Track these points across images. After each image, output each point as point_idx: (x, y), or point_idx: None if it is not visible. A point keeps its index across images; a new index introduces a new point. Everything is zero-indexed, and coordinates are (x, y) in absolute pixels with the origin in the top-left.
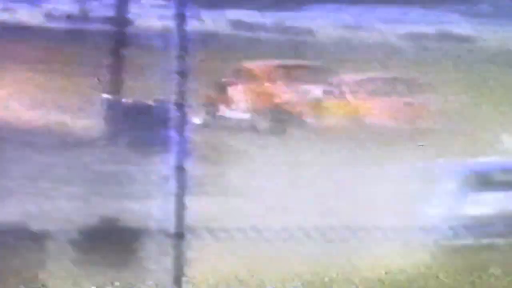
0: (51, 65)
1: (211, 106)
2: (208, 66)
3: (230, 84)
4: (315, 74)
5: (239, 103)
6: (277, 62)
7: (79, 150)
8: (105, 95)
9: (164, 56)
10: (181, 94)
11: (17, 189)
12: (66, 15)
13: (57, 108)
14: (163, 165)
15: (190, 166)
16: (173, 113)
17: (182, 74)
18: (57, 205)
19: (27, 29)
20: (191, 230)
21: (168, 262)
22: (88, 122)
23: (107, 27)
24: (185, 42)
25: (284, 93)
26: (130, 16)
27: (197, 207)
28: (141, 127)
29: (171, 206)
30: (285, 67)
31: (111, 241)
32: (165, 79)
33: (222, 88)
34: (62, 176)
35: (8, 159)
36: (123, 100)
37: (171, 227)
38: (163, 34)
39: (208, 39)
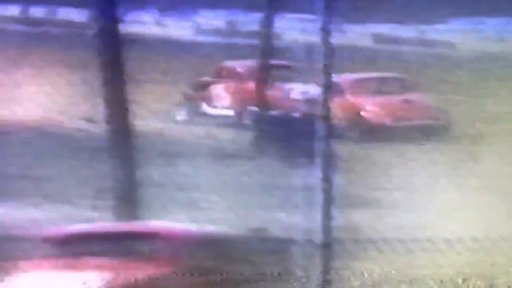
0: (199, 78)
1: (191, 104)
2: None
3: (211, 83)
4: (298, 74)
5: (222, 100)
6: (259, 61)
7: (228, 162)
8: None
9: (309, 69)
10: (327, 106)
11: (168, 199)
12: (215, 29)
13: None
14: (309, 176)
15: (336, 177)
16: (319, 125)
17: (327, 86)
18: (207, 215)
19: (177, 42)
20: (338, 241)
21: (315, 272)
22: (236, 134)
23: (254, 41)
24: (330, 56)
25: (268, 91)
26: (276, 30)
27: (343, 218)
28: (287, 139)
29: (317, 216)
30: (267, 66)
31: (259, 250)
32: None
33: (202, 87)
34: (211, 187)
35: (159, 171)
36: (270, 112)
37: (318, 237)
38: (308, 48)
39: (352, 52)
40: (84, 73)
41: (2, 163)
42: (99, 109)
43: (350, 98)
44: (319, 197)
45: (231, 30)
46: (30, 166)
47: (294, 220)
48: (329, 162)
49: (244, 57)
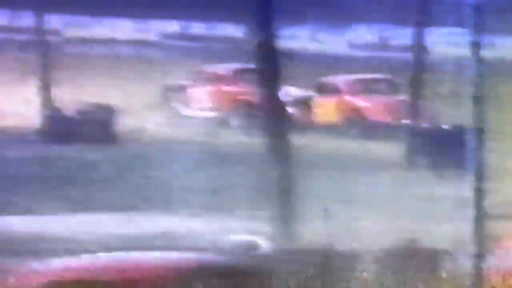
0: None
1: (168, 107)
2: (503, 91)
3: (190, 86)
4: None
5: (201, 103)
6: (240, 65)
7: (382, 173)
8: (405, 120)
9: (460, 82)
10: (478, 118)
11: (322, 211)
12: (367, 43)
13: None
14: (461, 187)
15: (488, 188)
16: (470, 136)
17: (478, 99)
18: (363, 226)
19: (332, 57)
20: (491, 251)
21: (468, 284)
22: (389, 146)
23: (405, 54)
24: (481, 69)
25: (250, 93)
26: (427, 43)
27: (496, 229)
28: (439, 150)
29: (470, 228)
30: (248, 70)
31: (412, 262)
32: (461, 104)
33: (179, 90)
34: (366, 198)
35: (314, 183)
36: (422, 124)
37: (471, 249)
38: (459, 61)
39: (501, 65)
40: None
41: (165, 175)
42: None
43: (349, 98)
44: (471, 208)
45: (383, 44)
46: (191, 177)
47: (447, 231)
48: (482, 173)
49: (396, 70)
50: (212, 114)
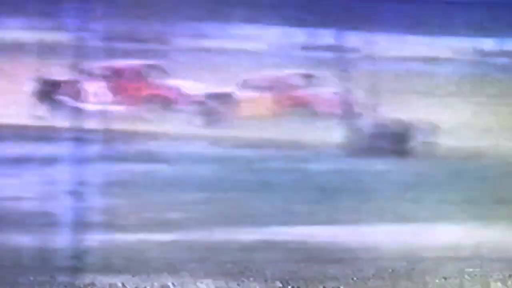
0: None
1: (49, 101)
2: None
3: (84, 81)
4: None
5: (100, 97)
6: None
7: None
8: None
9: None
10: None
11: None
12: None
13: None
14: None
15: None
16: None
17: None
18: None
19: None
20: None
21: None
22: None
23: None
24: None
25: (155, 87)
26: None
27: None
28: None
29: None
30: (149, 66)
31: None
32: None
33: (58, 85)
34: None
35: None
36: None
37: None
38: None
39: None
40: None
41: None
42: None
43: (296, 92)
44: None
45: None
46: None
47: None
48: None
49: None
50: (111, 107)
